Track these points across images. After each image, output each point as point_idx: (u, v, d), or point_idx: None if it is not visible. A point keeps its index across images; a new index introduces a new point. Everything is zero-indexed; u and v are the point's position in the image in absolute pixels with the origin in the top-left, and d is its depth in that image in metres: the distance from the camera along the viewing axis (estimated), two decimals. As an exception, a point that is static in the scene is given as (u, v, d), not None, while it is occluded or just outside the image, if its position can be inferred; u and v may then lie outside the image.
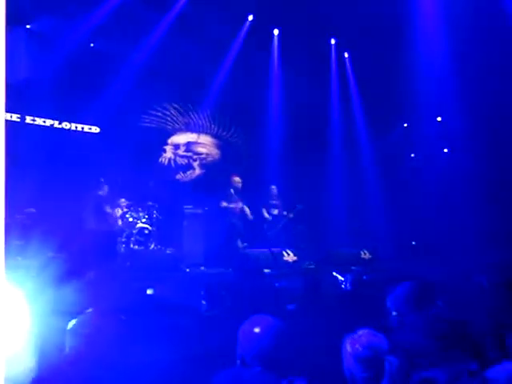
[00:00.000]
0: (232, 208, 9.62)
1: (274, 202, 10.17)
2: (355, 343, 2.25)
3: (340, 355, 2.31)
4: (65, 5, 8.87)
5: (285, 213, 10.09)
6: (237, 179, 9.86)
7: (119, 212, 9.21)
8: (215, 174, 12.00)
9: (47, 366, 2.28)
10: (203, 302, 3.85)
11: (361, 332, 2.31)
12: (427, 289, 2.77)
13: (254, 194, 10.50)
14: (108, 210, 8.99)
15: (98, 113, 9.89)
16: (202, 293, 3.86)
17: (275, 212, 10.09)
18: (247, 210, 9.74)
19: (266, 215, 10.03)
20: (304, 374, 2.30)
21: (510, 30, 8.89)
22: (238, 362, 2.19)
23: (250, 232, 9.99)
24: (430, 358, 2.03)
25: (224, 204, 9.55)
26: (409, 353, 2.07)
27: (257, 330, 2.18)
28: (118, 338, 2.33)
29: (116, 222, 9.14)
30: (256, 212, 10.34)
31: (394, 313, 2.50)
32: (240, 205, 9.72)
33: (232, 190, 9.69)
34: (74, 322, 2.32)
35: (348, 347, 2.27)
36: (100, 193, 8.92)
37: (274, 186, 10.25)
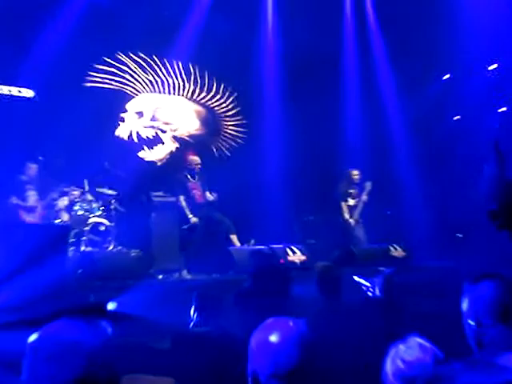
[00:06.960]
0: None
1: None
2: (396, 358, 2.27)
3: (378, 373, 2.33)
4: None
5: None
6: (194, 158, 9.74)
7: (64, 203, 9.15)
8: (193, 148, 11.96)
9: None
10: (193, 316, 3.88)
11: (406, 343, 2.32)
12: None
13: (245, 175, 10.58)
14: (49, 199, 8.96)
15: (31, 70, 9.78)
16: (193, 304, 3.89)
17: None
18: (210, 196, 9.60)
19: None
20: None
21: None
22: (250, 381, 2.15)
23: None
24: None
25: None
26: None
27: (273, 338, 2.13)
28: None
29: (60, 215, 9.09)
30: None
31: (472, 323, 2.47)
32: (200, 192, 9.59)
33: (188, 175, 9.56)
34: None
35: (388, 363, 2.30)
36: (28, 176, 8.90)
37: None
